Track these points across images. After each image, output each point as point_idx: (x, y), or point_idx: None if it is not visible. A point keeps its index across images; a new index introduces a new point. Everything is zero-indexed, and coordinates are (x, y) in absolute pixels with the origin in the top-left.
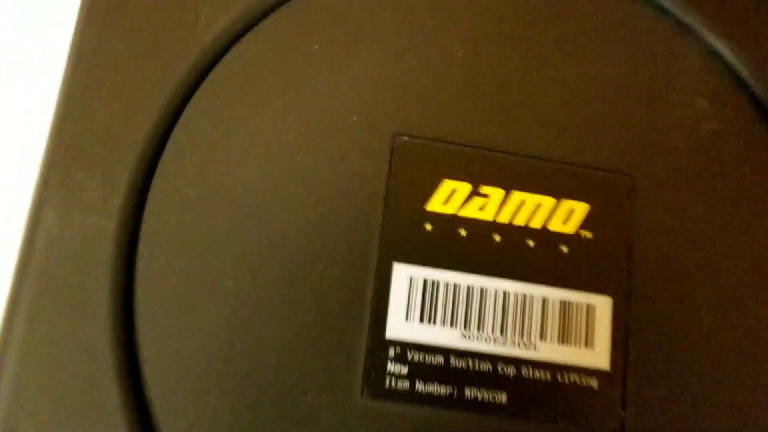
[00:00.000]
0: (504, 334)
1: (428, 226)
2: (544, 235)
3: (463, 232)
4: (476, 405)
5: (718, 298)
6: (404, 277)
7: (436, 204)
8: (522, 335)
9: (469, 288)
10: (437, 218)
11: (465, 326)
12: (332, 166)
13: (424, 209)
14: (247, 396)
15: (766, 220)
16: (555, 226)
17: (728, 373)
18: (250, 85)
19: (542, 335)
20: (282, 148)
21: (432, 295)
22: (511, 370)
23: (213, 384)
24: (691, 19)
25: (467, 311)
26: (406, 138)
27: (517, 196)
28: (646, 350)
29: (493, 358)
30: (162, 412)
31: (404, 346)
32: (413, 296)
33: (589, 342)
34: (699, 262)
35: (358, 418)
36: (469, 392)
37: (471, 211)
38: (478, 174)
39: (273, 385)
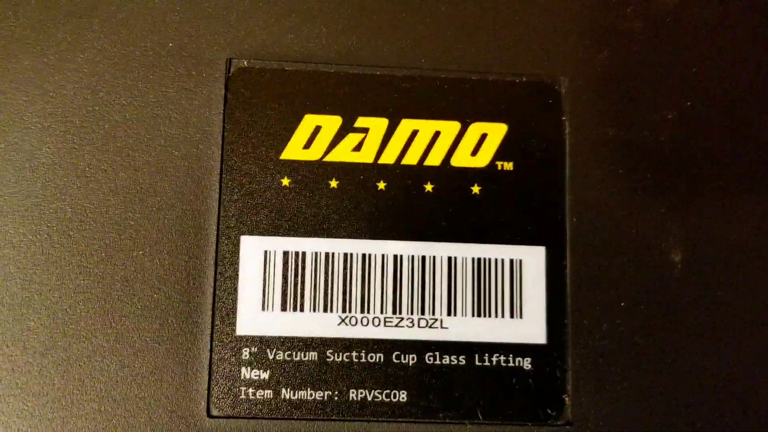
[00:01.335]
0: (398, 312)
1: (286, 181)
2: (446, 174)
3: (334, 183)
4: (365, 410)
5: (687, 236)
6: (257, 252)
7: (294, 149)
8: (423, 311)
9: (346, 257)
10: (298, 168)
11: (344, 309)
12: (142, 114)
13: (279, 159)
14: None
15: (740, 122)
16: (461, 160)
17: (701, 338)
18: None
19: (451, 308)
20: (71, 94)
21: (296, 272)
22: (410, 359)
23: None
24: None
25: (346, 288)
26: (246, 62)
27: (406, 125)
28: (593, 314)
29: (385, 346)
30: None
31: (263, 344)
32: (271, 277)
33: (515, 310)
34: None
35: None
36: (354, 394)
37: (343, 153)
38: (352, 102)
39: (99, 410)
